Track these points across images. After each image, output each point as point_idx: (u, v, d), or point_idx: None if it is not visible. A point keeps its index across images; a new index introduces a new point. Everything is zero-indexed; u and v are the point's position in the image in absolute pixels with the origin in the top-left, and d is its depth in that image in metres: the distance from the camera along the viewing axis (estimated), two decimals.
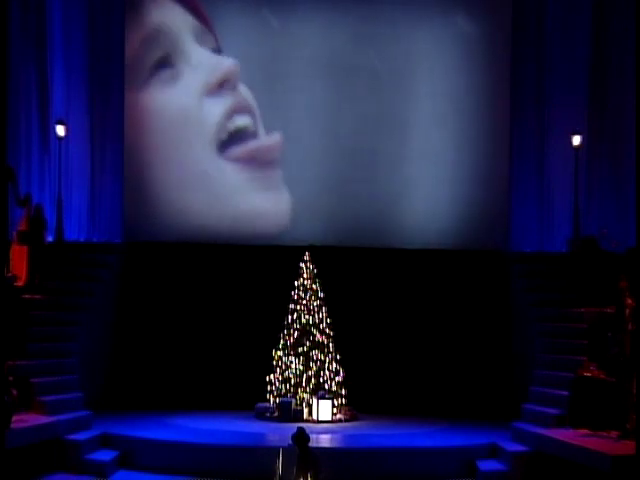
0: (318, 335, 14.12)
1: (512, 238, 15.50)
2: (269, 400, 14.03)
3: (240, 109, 15.38)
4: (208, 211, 15.34)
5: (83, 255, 15.21)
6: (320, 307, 14.29)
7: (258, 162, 15.41)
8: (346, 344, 14.47)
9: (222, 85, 15.42)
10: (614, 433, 10.81)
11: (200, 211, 15.33)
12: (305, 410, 13.70)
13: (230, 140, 15.40)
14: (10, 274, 13.24)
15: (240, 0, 15.57)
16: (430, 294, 15.30)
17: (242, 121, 15.42)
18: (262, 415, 13.85)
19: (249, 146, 15.35)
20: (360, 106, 15.48)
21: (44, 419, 11.75)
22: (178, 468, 11.47)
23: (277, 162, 15.43)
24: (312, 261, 14.49)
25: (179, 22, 15.45)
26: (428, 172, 15.49)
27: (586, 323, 12.52)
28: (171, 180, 15.59)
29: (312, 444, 10.24)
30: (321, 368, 13.97)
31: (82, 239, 15.75)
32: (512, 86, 15.56)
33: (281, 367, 14.05)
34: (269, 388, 14.08)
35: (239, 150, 15.35)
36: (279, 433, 12.30)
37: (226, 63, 15.43)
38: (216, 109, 15.37)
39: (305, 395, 13.82)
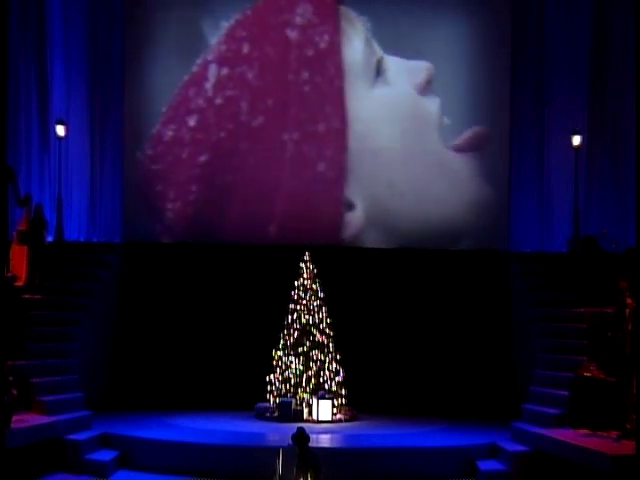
0: (318, 335, 14.12)
1: (512, 238, 15.49)
2: (269, 400, 14.03)
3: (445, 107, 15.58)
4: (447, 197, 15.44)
5: (83, 255, 15.21)
6: (320, 307, 14.29)
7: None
8: (346, 344, 14.47)
9: (428, 85, 15.55)
10: (614, 433, 10.81)
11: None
12: (305, 410, 13.71)
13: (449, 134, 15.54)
14: (10, 274, 13.24)
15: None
16: (430, 294, 15.30)
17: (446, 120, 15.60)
18: (262, 415, 13.85)
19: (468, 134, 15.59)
20: (363, 106, 15.53)
21: (44, 419, 11.75)
22: (178, 468, 11.47)
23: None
24: (312, 261, 14.50)
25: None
26: (428, 172, 15.48)
27: (586, 323, 12.53)
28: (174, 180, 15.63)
29: (312, 444, 10.24)
30: (321, 368, 13.97)
31: (82, 239, 15.75)
32: (512, 86, 15.56)
33: (281, 367, 14.05)
34: (269, 388, 14.08)
35: (462, 139, 15.52)
36: (279, 433, 12.29)
37: (426, 65, 15.56)
38: (432, 106, 15.51)
39: (305, 395, 13.82)
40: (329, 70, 15.57)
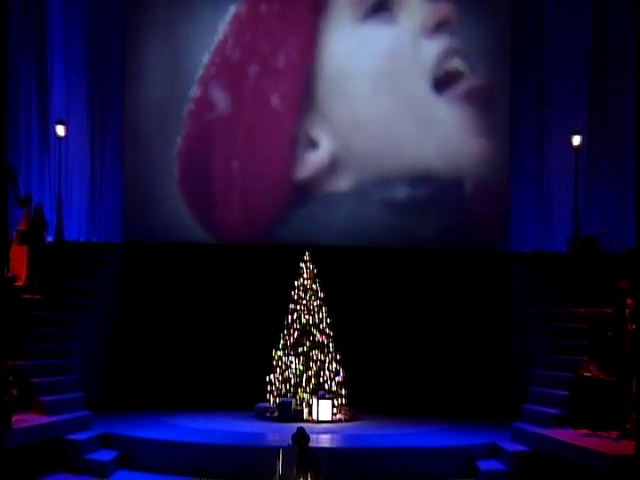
0: (318, 335, 14.13)
1: (512, 238, 15.49)
2: (269, 400, 14.03)
3: (455, 52, 15.38)
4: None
5: (83, 255, 15.22)
6: (320, 307, 14.29)
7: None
8: (346, 344, 14.47)
9: (439, 27, 15.39)
10: (614, 433, 10.81)
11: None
12: (305, 410, 13.71)
13: (445, 80, 15.37)
14: (10, 274, 13.24)
15: None
16: (430, 294, 15.30)
17: (456, 64, 15.39)
18: (262, 415, 13.85)
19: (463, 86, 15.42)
20: (360, 106, 15.49)
21: (44, 419, 11.76)
22: (178, 468, 11.47)
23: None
24: (312, 261, 14.50)
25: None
26: (428, 172, 15.48)
27: (586, 323, 12.53)
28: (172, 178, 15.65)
29: (312, 444, 10.24)
30: (321, 368, 13.97)
31: (82, 239, 15.75)
32: (512, 86, 15.55)
33: (281, 367, 14.05)
34: (269, 388, 14.08)
35: (454, 90, 15.38)
36: (279, 433, 12.30)
37: (443, 6, 15.42)
38: (432, 50, 15.34)
39: (305, 395, 13.82)
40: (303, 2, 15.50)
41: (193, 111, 15.64)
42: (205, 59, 15.60)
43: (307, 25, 15.53)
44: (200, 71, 15.61)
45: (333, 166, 15.47)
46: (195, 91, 15.62)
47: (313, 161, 15.50)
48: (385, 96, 15.43)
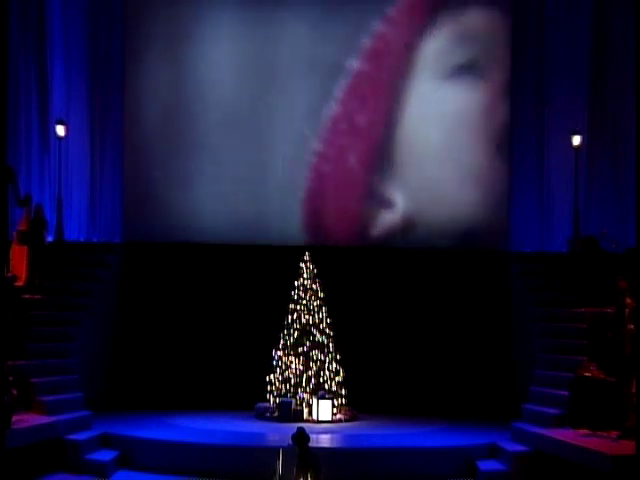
0: (318, 335, 14.13)
1: (512, 238, 15.49)
2: (269, 400, 14.04)
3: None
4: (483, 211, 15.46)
5: (83, 255, 15.22)
6: (320, 307, 14.29)
7: None
8: (346, 344, 14.48)
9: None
10: (614, 433, 10.81)
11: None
12: (305, 410, 13.71)
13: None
14: (10, 274, 13.24)
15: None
16: (430, 294, 15.30)
17: None
18: (262, 415, 13.85)
19: None
20: (362, 106, 15.52)
21: (44, 419, 11.76)
22: (178, 468, 11.47)
23: None
24: (312, 261, 14.50)
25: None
26: (428, 172, 15.49)
27: (586, 323, 12.53)
28: (175, 180, 15.65)
29: (312, 444, 10.25)
30: (321, 368, 13.97)
31: (82, 239, 15.76)
32: (512, 86, 15.56)
33: (281, 367, 14.06)
34: (269, 388, 14.08)
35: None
36: (279, 433, 12.30)
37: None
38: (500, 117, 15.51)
39: (305, 395, 13.82)
40: (388, 62, 15.53)
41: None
42: None
43: (389, 86, 15.53)
44: None
45: (405, 226, 15.55)
46: None
47: (388, 221, 15.54)
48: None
